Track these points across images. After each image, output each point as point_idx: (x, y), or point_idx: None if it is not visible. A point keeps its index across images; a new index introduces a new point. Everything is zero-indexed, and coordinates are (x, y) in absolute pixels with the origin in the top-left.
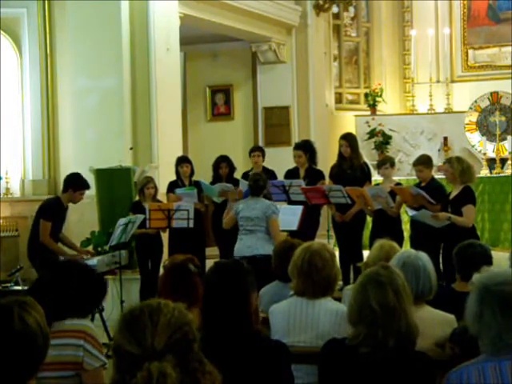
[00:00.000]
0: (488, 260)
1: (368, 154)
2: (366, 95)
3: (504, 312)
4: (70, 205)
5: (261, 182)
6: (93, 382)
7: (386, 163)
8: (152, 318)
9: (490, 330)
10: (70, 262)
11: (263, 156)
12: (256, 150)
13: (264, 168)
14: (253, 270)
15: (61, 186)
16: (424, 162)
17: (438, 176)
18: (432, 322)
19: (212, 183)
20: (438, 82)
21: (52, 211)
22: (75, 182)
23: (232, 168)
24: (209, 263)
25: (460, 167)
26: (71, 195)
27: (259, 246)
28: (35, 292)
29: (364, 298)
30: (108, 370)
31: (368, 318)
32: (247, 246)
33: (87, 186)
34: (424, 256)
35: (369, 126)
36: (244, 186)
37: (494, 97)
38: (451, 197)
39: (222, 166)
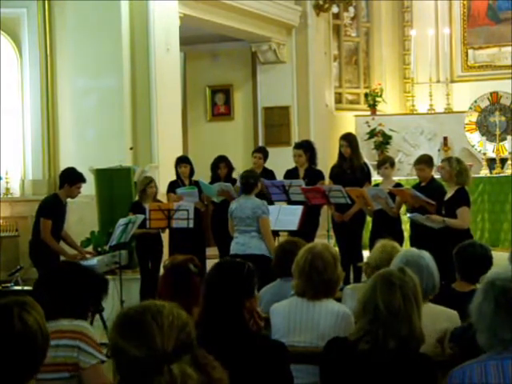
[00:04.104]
0: (488, 260)
1: (368, 154)
2: (366, 95)
3: (498, 306)
4: (70, 205)
5: (251, 180)
6: (93, 381)
7: (385, 163)
8: (156, 321)
9: (485, 323)
10: (70, 261)
11: (265, 157)
12: (257, 152)
13: (264, 168)
14: (255, 271)
15: None
16: (425, 161)
17: (438, 176)
18: (433, 318)
19: (211, 183)
20: (438, 82)
21: (51, 208)
22: (70, 177)
23: (230, 168)
24: (209, 263)
25: (458, 167)
26: (68, 190)
27: (252, 244)
28: (34, 291)
29: (371, 295)
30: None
31: (371, 315)
32: (241, 244)
33: (83, 179)
34: (427, 255)
35: (369, 126)
36: None
37: (494, 97)
38: (445, 198)
39: (221, 166)
